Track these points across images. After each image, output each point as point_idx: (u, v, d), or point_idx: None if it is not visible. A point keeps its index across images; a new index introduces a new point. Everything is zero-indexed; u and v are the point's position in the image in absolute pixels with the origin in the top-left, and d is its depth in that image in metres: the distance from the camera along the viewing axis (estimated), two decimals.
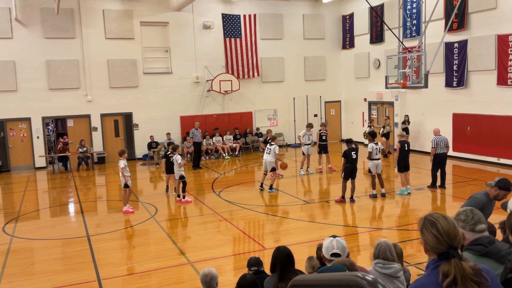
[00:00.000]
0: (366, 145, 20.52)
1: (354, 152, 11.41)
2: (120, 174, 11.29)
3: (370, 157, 11.66)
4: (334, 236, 3.84)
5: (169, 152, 12.72)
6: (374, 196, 11.72)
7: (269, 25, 21.65)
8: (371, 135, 11.96)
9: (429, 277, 2.18)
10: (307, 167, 15.47)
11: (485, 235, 2.97)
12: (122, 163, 11.26)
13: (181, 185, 12.33)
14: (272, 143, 13.06)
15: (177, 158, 12.21)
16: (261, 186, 13.15)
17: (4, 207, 12.99)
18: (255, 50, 21.39)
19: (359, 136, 21.69)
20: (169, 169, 12.72)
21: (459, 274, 2.06)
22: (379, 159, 11.71)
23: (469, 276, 2.06)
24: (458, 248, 2.18)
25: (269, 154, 12.93)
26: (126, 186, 11.33)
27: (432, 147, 12.22)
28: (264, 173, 13.18)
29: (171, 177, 12.84)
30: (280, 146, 21.19)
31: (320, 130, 15.63)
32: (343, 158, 11.49)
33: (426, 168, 15.52)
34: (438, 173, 12.44)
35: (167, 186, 13.38)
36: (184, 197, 12.28)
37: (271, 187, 12.95)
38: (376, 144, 11.72)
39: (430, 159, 12.46)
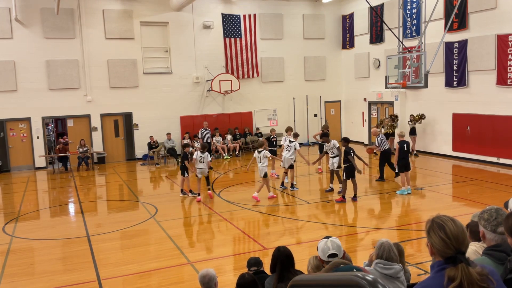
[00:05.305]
0: (365, 145, 20.58)
1: (352, 151, 11.45)
2: (262, 164, 11.88)
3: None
4: (327, 237, 3.82)
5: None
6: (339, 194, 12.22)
7: (269, 25, 21.64)
8: (323, 136, 12.78)
9: (434, 279, 2.13)
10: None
11: (506, 239, 2.73)
12: (266, 153, 12.07)
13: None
14: (292, 140, 13.02)
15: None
16: (282, 184, 13.30)
17: (4, 207, 12.99)
18: (255, 50, 21.38)
19: (360, 136, 21.70)
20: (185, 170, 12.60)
21: (465, 280, 2.00)
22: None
23: (476, 282, 2.00)
24: (465, 252, 2.11)
25: (289, 151, 12.88)
26: (265, 175, 11.96)
27: (376, 145, 13.42)
28: (284, 172, 13.23)
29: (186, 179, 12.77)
30: (279, 147, 21.28)
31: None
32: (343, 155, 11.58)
33: (427, 168, 15.55)
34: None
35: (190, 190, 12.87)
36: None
37: (292, 185, 13.01)
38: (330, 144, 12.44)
39: (377, 156, 13.94)
